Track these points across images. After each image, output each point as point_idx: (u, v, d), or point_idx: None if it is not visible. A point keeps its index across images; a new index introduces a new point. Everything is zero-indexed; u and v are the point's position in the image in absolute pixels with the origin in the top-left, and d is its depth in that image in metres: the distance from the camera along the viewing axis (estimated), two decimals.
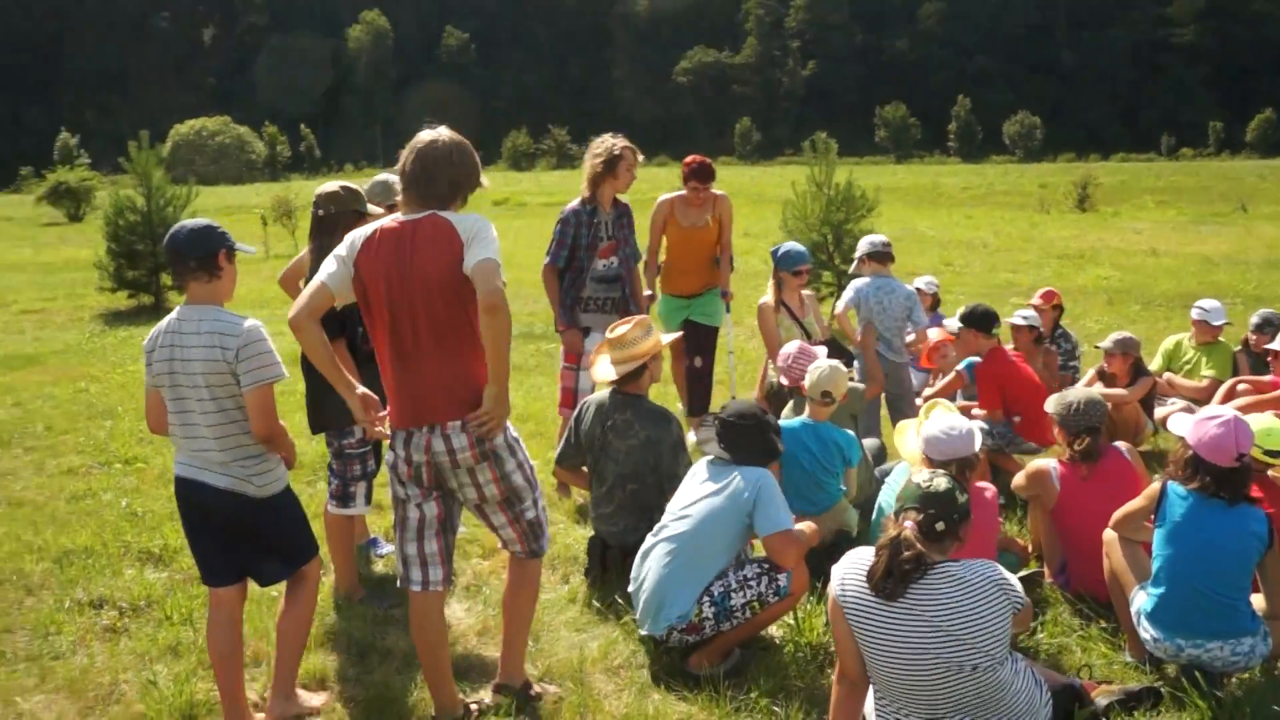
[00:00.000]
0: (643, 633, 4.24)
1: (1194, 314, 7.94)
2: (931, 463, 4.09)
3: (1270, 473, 4.44)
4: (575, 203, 6.35)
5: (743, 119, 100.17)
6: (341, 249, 3.60)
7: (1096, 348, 7.62)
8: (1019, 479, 4.97)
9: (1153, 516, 4.05)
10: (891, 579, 3.19)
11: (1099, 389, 6.92)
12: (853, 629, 3.30)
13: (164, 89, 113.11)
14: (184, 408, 3.61)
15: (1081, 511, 4.57)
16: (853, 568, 3.35)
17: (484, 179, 3.78)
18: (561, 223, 6.31)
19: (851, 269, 7.28)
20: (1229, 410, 4.02)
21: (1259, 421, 4.27)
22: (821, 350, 5.69)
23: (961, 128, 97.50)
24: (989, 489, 4.33)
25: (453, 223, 3.48)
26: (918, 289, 8.90)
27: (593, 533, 5.10)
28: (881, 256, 6.90)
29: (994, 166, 74.08)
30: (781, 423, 5.11)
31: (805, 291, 6.86)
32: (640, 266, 6.68)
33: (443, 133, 3.70)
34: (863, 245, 6.99)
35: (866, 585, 3.26)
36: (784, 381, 5.71)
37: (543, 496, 3.92)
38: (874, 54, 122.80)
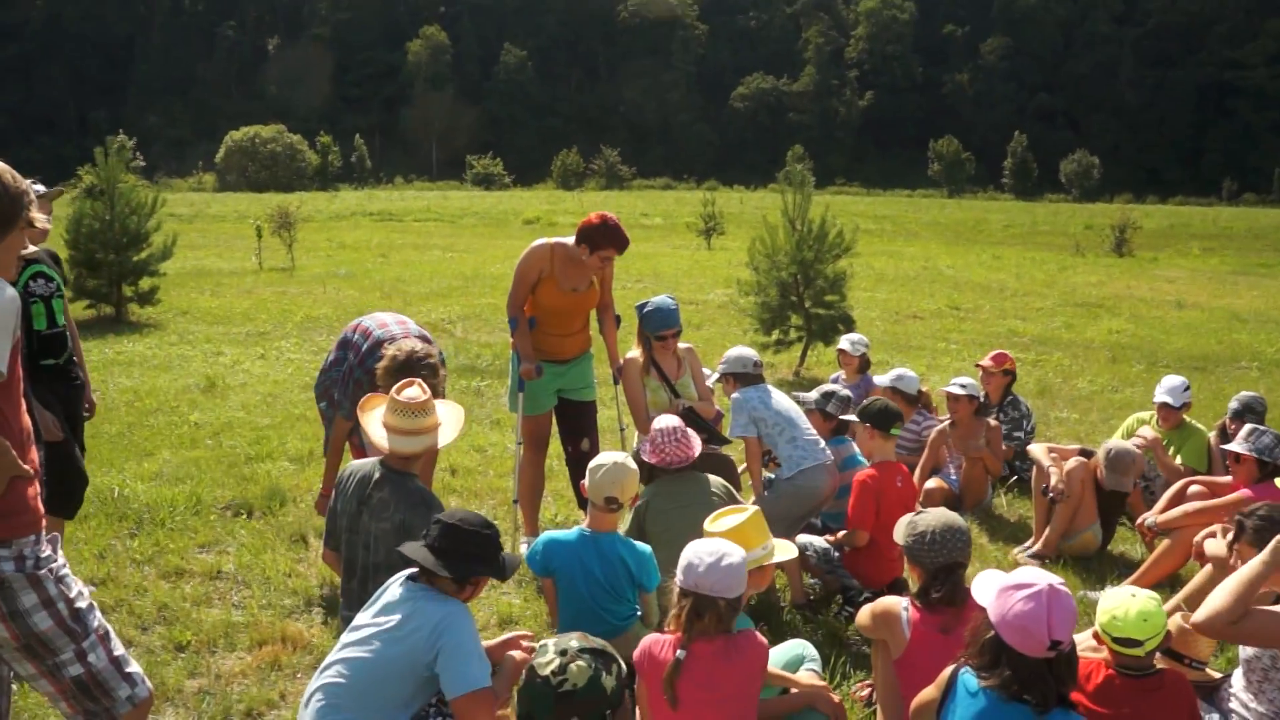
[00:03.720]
0: None
1: (1155, 395, 7.05)
2: (680, 592, 3.34)
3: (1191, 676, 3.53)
4: None
5: (795, 147, 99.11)
6: None
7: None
8: (863, 615, 3.91)
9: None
10: None
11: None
12: None
13: (227, 96, 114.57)
14: None
15: (935, 671, 3.31)
16: None
17: (35, 215, 3.03)
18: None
19: (713, 380, 6.14)
20: (1045, 578, 2.95)
21: (1112, 600, 3.29)
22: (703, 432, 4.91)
23: (1017, 164, 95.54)
24: (756, 638, 3.48)
25: None
26: (841, 350, 8.12)
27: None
28: (749, 379, 5.63)
29: (1045, 205, 72.47)
30: (554, 535, 4.36)
31: (683, 345, 6.04)
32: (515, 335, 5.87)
33: None
34: (731, 362, 5.70)
35: None
36: (645, 457, 4.91)
37: (115, 643, 3.18)
38: (934, 87, 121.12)
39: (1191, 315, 17.35)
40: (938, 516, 3.78)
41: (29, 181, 4.55)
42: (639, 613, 4.41)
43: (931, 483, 6.92)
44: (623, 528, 4.56)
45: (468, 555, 3.40)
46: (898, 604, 3.75)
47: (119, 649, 3.15)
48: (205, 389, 10.25)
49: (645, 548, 4.40)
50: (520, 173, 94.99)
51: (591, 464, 4.36)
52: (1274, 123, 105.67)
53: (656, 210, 47.98)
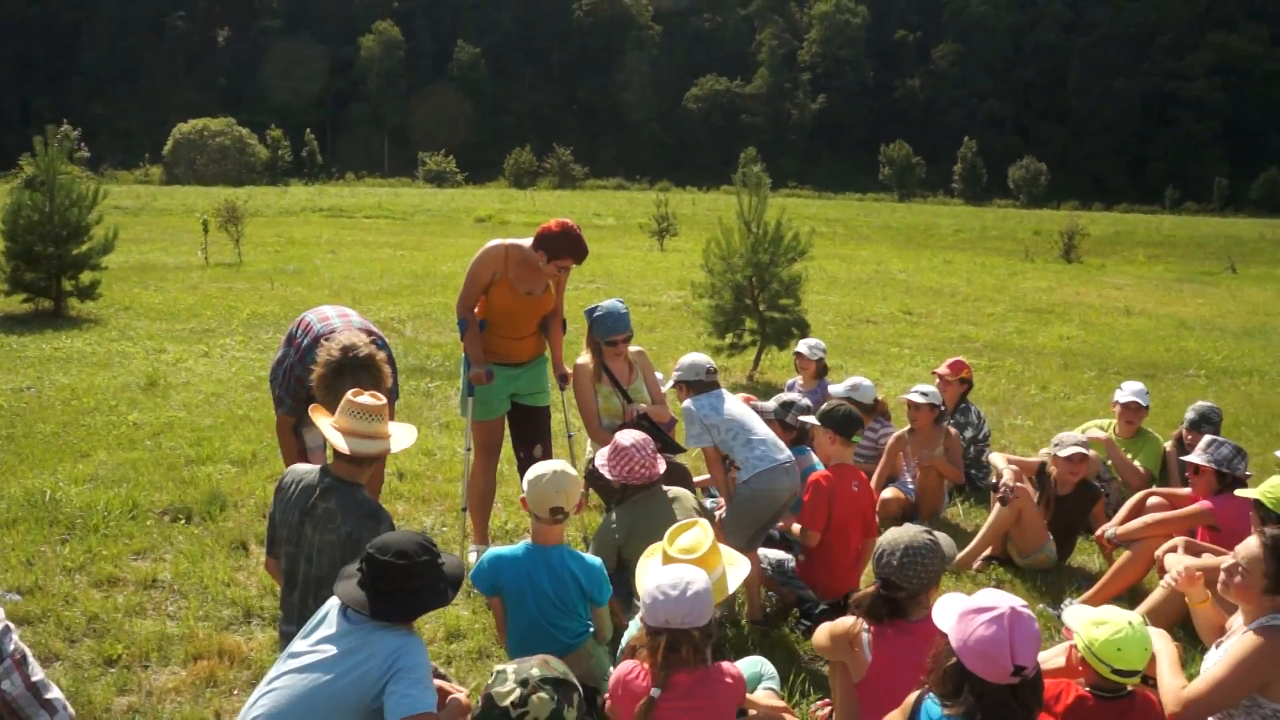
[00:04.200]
0: None
1: (1118, 397, 7.03)
2: (649, 630, 3.22)
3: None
4: None
5: (748, 148, 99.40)
6: None
7: (1042, 454, 6.50)
8: (820, 635, 3.77)
9: None
10: None
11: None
12: None
13: (175, 87, 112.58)
14: None
15: (898, 694, 3.23)
16: None
17: None
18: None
19: (667, 387, 5.96)
20: (1005, 600, 2.85)
21: (1110, 628, 3.21)
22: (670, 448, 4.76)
23: (966, 169, 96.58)
24: (731, 672, 3.38)
25: None
26: (798, 354, 8.03)
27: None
28: (702, 386, 5.39)
29: (994, 210, 73.39)
30: (499, 551, 4.19)
31: (634, 348, 5.90)
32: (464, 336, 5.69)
33: None
34: (684, 369, 5.47)
35: None
36: (607, 474, 4.75)
37: (33, 667, 3.00)
38: (886, 91, 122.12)
39: (1139, 322, 17.54)
40: (895, 533, 3.64)
41: None
42: (591, 629, 4.26)
43: (888, 492, 6.85)
44: (588, 550, 4.44)
45: (410, 591, 3.23)
46: (858, 624, 3.64)
47: (37, 674, 2.96)
48: (146, 387, 9.94)
49: (595, 560, 4.26)
50: (473, 170, 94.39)
51: (530, 474, 4.18)
52: (1214, 133, 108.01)
53: (609, 210, 47.81)
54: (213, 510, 6.48)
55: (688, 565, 3.44)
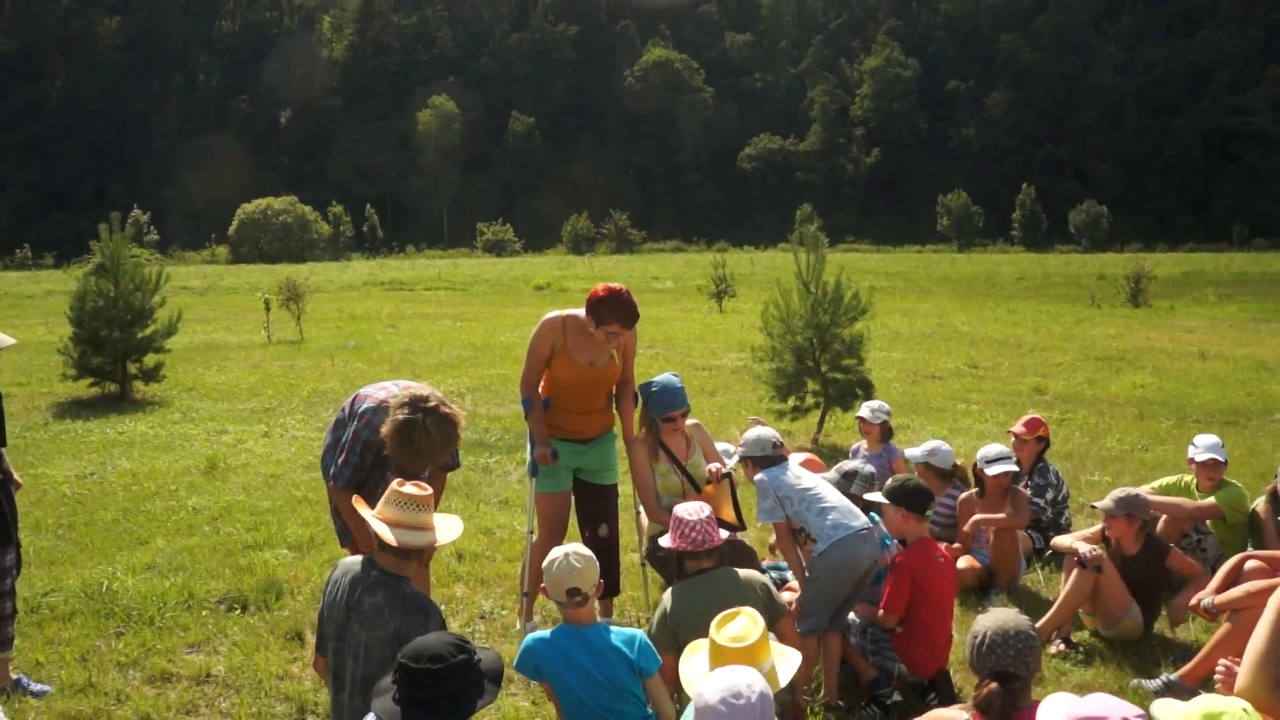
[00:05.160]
0: None
1: (1193, 455, 6.67)
2: None
3: None
4: None
5: (804, 205, 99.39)
6: None
7: (1093, 508, 6.20)
8: None
9: None
10: None
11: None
12: None
13: (240, 169, 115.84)
14: None
15: None
16: None
17: None
18: None
19: (732, 463, 5.64)
20: (1120, 709, 2.59)
21: (1201, 713, 2.82)
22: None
23: (1026, 216, 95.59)
24: None
25: None
26: (861, 418, 7.75)
27: None
28: (769, 461, 5.10)
29: (1056, 256, 72.33)
30: (535, 634, 4.01)
31: (690, 422, 5.69)
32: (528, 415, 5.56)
33: None
34: (749, 445, 5.15)
35: None
36: (668, 544, 4.55)
37: None
38: (940, 142, 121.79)
39: (1216, 366, 16.95)
40: (995, 618, 3.41)
41: None
42: (651, 714, 4.02)
43: (961, 563, 6.51)
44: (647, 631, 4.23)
45: (453, 695, 3.05)
46: (957, 716, 3.41)
47: None
48: (206, 470, 9.95)
49: (636, 631, 4.07)
50: (531, 238, 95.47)
51: (544, 562, 4.06)
52: None
53: (667, 273, 47.93)
54: (268, 599, 6.37)
55: (740, 666, 3.20)
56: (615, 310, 5.29)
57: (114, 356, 14.09)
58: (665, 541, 4.54)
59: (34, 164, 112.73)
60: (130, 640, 5.77)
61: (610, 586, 5.52)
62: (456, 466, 5.27)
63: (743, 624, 3.55)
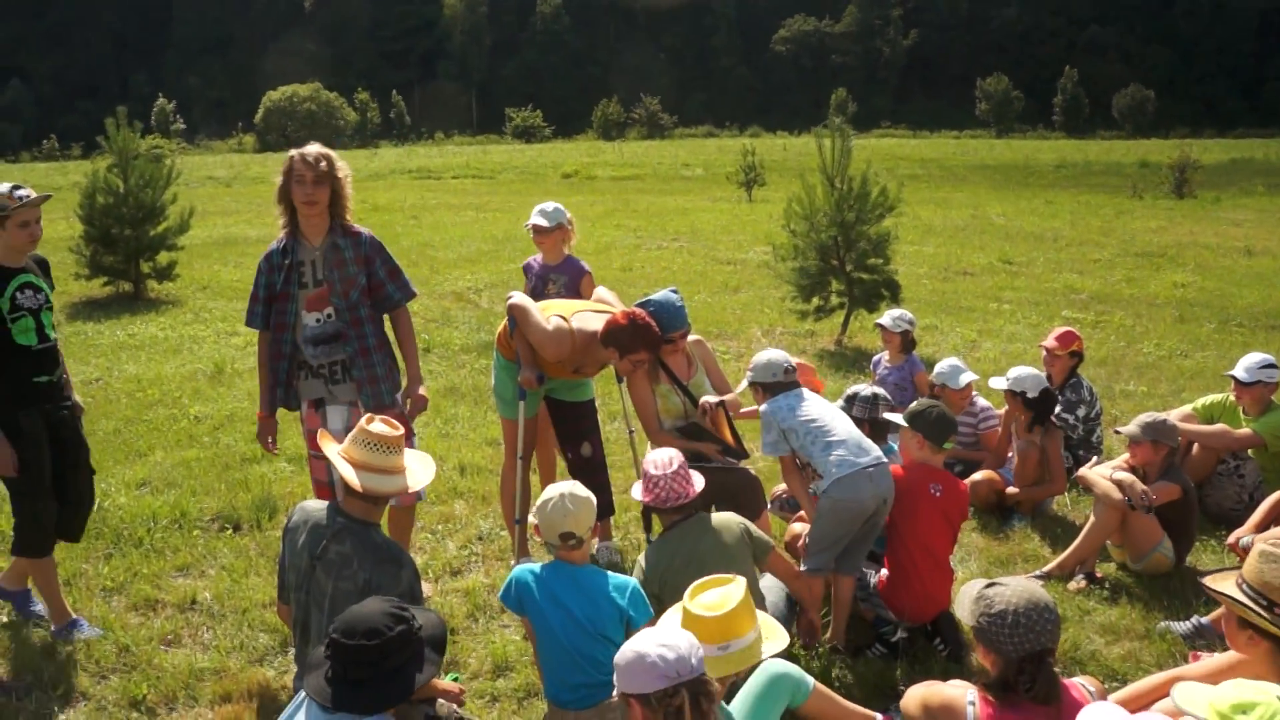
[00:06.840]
0: None
1: (1239, 376, 6.02)
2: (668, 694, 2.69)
3: None
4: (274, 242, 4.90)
5: (839, 90, 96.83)
6: None
7: (1116, 433, 5.72)
8: (912, 702, 3.28)
9: None
10: None
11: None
12: None
13: (264, 55, 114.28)
14: None
15: None
16: None
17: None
18: (257, 270, 4.95)
19: (740, 388, 5.21)
20: None
21: (1231, 703, 2.47)
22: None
23: (1068, 101, 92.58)
24: None
25: None
26: (881, 325, 7.34)
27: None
28: (780, 387, 4.75)
29: (1098, 143, 70.19)
30: (526, 566, 3.73)
31: (691, 338, 5.31)
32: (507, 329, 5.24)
33: None
34: (758, 370, 4.83)
35: None
36: (638, 497, 4.23)
37: None
38: (980, 23, 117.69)
39: (1263, 264, 16.28)
40: (1019, 592, 3.04)
41: (11, 186, 4.53)
42: None
43: (979, 475, 6.17)
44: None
45: (390, 673, 2.78)
46: (961, 696, 3.08)
47: None
48: (211, 376, 9.75)
49: (628, 580, 3.80)
50: (560, 124, 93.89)
51: (539, 500, 3.77)
52: None
53: (698, 160, 46.91)
54: (261, 518, 6.18)
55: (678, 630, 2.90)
56: (640, 335, 4.88)
57: (126, 255, 13.83)
58: (636, 493, 4.22)
59: (57, 53, 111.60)
60: (118, 564, 5.59)
61: (604, 507, 5.19)
62: (411, 295, 5.27)
63: (720, 593, 3.24)
